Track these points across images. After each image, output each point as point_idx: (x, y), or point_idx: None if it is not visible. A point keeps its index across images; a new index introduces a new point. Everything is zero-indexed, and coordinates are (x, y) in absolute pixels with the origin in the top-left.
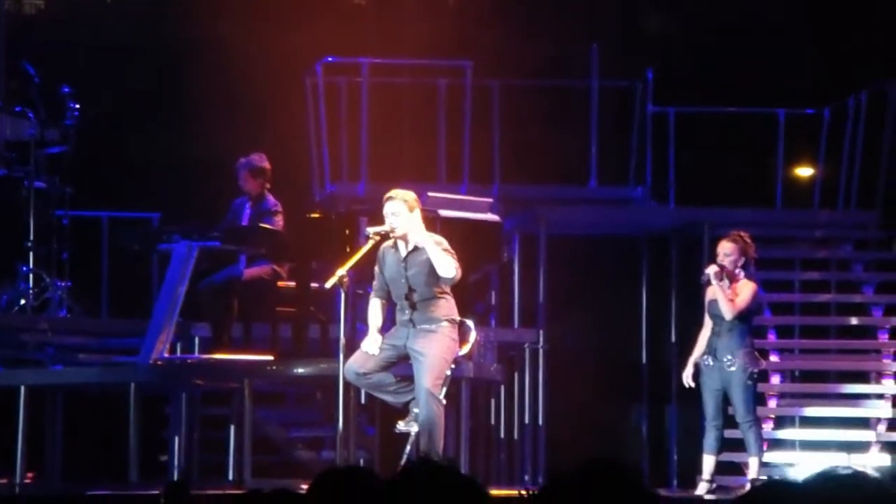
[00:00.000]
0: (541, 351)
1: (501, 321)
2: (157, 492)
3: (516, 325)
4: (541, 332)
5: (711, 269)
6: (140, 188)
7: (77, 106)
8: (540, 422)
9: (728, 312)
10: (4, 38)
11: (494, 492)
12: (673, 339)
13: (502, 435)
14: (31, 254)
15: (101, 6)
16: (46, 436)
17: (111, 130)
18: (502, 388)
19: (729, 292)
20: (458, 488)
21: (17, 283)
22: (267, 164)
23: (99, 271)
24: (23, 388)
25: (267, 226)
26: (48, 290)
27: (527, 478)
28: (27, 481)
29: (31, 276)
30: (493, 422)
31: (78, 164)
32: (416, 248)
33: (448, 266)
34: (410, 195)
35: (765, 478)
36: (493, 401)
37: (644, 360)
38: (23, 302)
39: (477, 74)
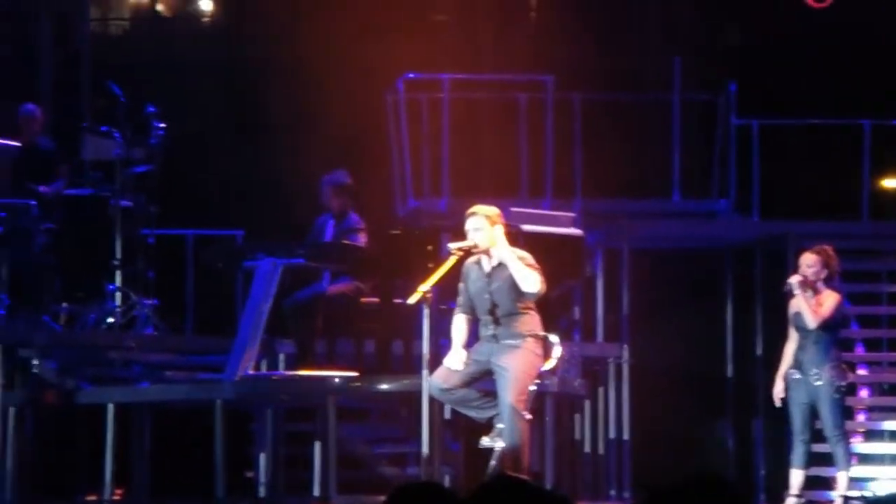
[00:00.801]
0: (625, 365)
1: (585, 336)
2: None
3: (600, 340)
4: (625, 346)
5: (795, 279)
6: (224, 206)
7: (162, 125)
8: (625, 436)
9: (812, 321)
10: (90, 59)
11: None
12: (758, 352)
13: (587, 450)
14: (118, 272)
15: (185, 26)
16: (134, 452)
17: (195, 149)
18: (587, 402)
19: (812, 302)
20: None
21: (105, 301)
22: (350, 181)
23: (184, 289)
24: (111, 406)
25: (350, 242)
26: (135, 309)
27: (612, 493)
28: (115, 497)
29: (118, 294)
30: (577, 437)
31: (163, 183)
32: (499, 264)
33: (532, 281)
34: (492, 210)
35: (854, 493)
36: (577, 416)
37: (729, 373)
38: (110, 320)
39: (558, 89)
